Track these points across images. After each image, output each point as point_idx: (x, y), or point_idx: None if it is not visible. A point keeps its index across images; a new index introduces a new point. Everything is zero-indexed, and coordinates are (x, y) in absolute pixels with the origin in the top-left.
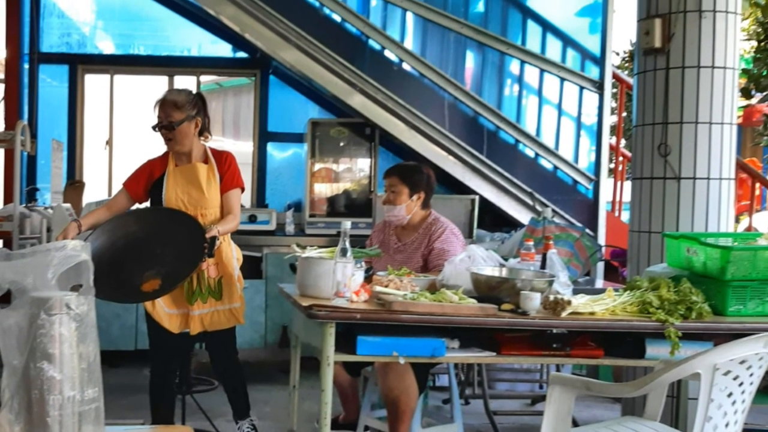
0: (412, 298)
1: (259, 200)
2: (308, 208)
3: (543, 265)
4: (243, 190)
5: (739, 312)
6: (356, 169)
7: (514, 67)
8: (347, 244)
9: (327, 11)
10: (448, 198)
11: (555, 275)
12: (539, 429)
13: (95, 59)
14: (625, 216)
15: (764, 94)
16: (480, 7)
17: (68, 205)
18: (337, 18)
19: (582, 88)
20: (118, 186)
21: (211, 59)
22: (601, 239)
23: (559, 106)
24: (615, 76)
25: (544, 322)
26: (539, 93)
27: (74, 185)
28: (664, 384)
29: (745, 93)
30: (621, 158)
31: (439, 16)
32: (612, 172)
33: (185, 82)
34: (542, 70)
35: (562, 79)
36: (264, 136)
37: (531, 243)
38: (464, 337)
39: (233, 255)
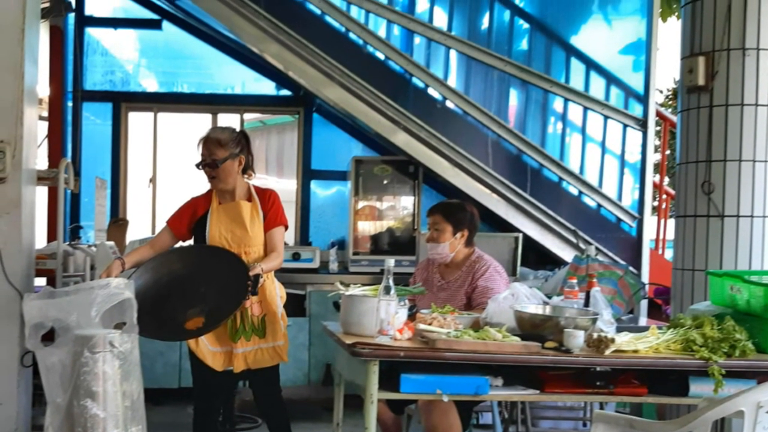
0: (456, 335)
1: (303, 238)
2: (352, 245)
3: (586, 303)
4: (286, 227)
5: None
6: (400, 206)
7: (557, 104)
8: (391, 282)
9: (371, 49)
10: (492, 236)
11: (598, 313)
12: None
13: (139, 97)
14: (669, 254)
15: None
16: (524, 45)
17: (112, 243)
18: (380, 56)
19: (625, 125)
20: (161, 224)
21: (254, 97)
22: (645, 277)
23: (602, 144)
24: (659, 113)
25: (588, 359)
26: (583, 131)
27: (118, 223)
28: (708, 422)
29: None
30: (664, 196)
31: (482, 54)
32: (655, 210)
33: (229, 119)
34: (586, 108)
35: (606, 117)
36: (307, 174)
37: (574, 281)
38: (508, 375)
39: (277, 293)
